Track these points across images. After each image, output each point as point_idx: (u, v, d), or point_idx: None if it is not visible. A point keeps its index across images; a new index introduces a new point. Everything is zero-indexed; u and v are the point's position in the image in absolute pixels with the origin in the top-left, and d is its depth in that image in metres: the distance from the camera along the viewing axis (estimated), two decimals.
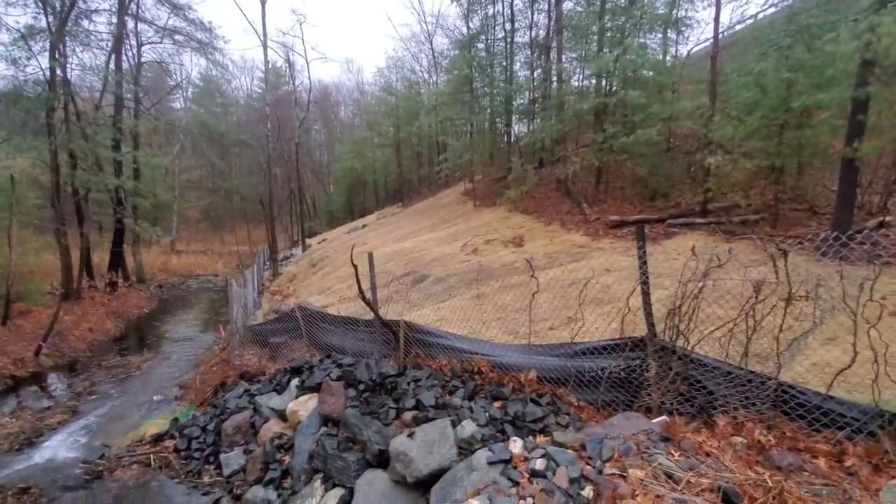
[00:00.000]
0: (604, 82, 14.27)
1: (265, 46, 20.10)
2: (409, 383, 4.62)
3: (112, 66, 19.06)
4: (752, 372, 3.24)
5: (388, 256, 12.42)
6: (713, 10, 11.25)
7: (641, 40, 13.68)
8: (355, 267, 5.12)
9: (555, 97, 15.25)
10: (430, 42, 31.69)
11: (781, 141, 8.55)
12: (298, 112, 26.43)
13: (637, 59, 11.85)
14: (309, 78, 33.38)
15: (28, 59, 16.12)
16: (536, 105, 18.37)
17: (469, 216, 16.81)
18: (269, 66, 23.12)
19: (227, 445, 5.44)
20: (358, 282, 5.14)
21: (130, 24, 20.43)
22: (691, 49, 16.55)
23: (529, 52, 19.88)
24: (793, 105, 7.90)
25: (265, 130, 21.75)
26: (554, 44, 16.50)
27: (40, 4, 15.95)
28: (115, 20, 19.09)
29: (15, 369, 9.74)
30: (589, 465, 2.78)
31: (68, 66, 16.97)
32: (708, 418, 3.25)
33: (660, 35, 15.40)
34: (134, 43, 21.40)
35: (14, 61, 15.97)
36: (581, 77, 18.25)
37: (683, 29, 15.39)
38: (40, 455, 6.47)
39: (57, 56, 15.36)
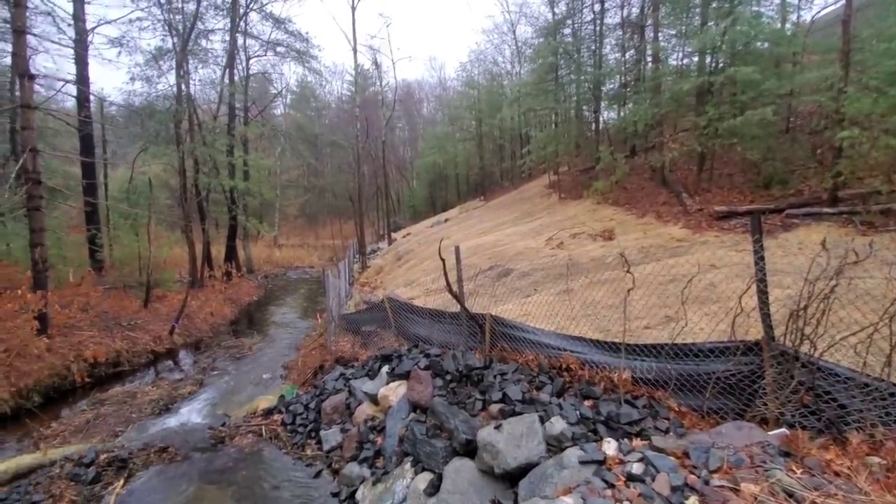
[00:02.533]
0: (708, 59, 12.97)
1: (355, 51, 21.21)
2: (495, 376, 4.63)
3: (226, 79, 21.38)
4: None
5: (472, 250, 12.52)
6: None
7: (755, 8, 12.17)
8: (443, 261, 5.23)
9: (650, 79, 14.20)
10: (514, 32, 31.19)
11: None
12: (385, 111, 27.53)
13: (749, 30, 10.58)
14: (394, 78, 34.63)
15: (158, 77, 18.76)
16: (628, 89, 17.27)
17: (554, 209, 16.35)
18: (358, 70, 24.36)
19: (327, 423, 5.90)
20: (445, 274, 5.25)
21: (240, 40, 22.71)
22: (816, 14, 14.40)
23: (621, 33, 18.71)
24: None
25: (354, 131, 23.04)
26: (650, 21, 15.34)
27: (166, 27, 18.36)
28: (227, 38, 21.38)
29: (154, 346, 11.43)
30: (693, 474, 2.59)
31: (191, 81, 19.38)
32: (838, 434, 2.85)
33: (777, 1, 13.60)
34: (243, 57, 23.77)
35: (148, 80, 18.65)
36: (680, 56, 16.79)
37: None
38: (175, 420, 7.55)
39: (182, 73, 17.60)
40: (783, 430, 2.93)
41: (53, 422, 7.51)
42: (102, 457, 5.40)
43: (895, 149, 7.53)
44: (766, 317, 3.14)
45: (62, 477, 5.06)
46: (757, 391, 3.20)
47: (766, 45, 11.77)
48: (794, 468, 2.53)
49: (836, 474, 2.48)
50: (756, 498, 2.34)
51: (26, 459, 5.43)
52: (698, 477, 2.55)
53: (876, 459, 2.53)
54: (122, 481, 5.01)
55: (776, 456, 2.65)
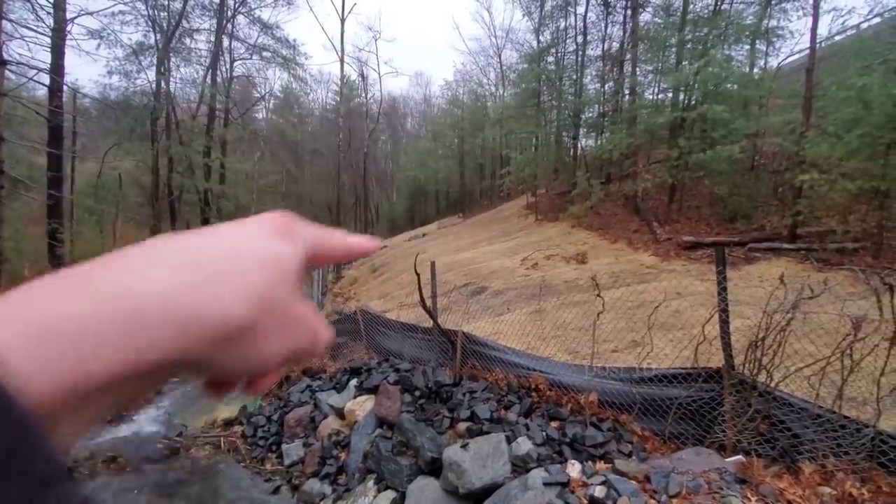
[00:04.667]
0: (682, 96, 13.61)
1: (342, 62, 21.33)
2: (464, 394, 4.62)
3: (208, 80, 21.08)
4: (847, 417, 2.92)
5: (447, 266, 12.55)
6: (809, 20, 10.40)
7: (726, 52, 12.90)
8: (418, 275, 5.23)
9: (627, 110, 14.79)
10: (499, 56, 31.97)
11: (888, 162, 7.68)
12: (368, 123, 27.63)
13: (721, 71, 11.19)
14: (380, 91, 34.75)
15: (138, 72, 18.36)
16: (606, 118, 17.88)
17: (530, 230, 16.60)
18: (345, 81, 24.45)
19: (289, 437, 5.72)
20: (419, 289, 5.25)
21: (226, 42, 22.52)
22: (782, 61, 15.35)
23: (601, 65, 19.47)
24: None
25: (337, 140, 22.98)
26: (629, 56, 16.02)
27: (150, 23, 18.05)
28: (213, 38, 21.16)
29: None
30: (654, 498, 2.63)
31: (171, 79, 19.03)
32: (791, 463, 2.95)
33: (747, 46, 14.45)
34: (227, 59, 23.55)
35: (126, 74, 18.22)
36: (656, 91, 17.57)
37: (774, 40, 14.35)
38: (127, 428, 7.16)
39: (162, 70, 17.29)
40: (740, 457, 3.02)
41: None
42: None
43: (851, 192, 8.03)
44: (726, 346, 3.26)
45: None
46: (716, 418, 3.30)
47: (735, 86, 12.45)
48: (749, 495, 2.60)
49: (789, 503, 2.56)
50: None
51: None
52: (658, 502, 2.59)
53: (827, 489, 2.63)
54: None
55: (732, 483, 2.73)
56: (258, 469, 5.38)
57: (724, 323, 3.25)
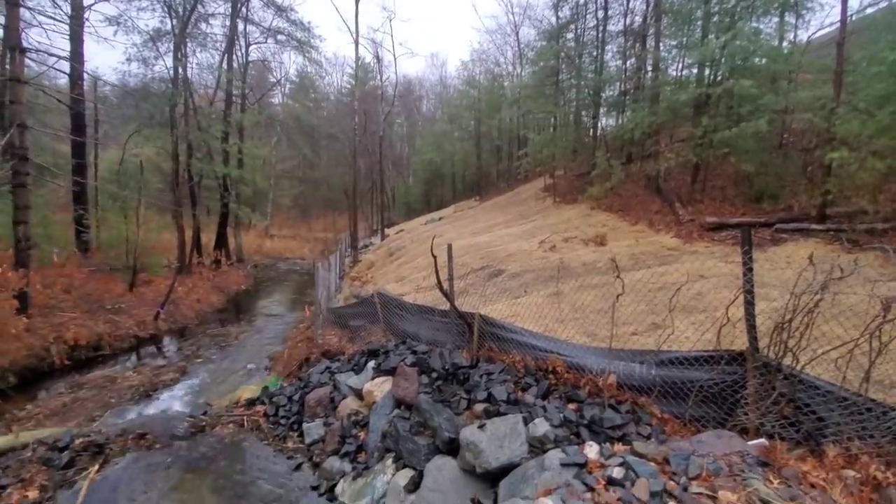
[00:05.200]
0: (707, 71, 13.09)
1: (356, 44, 21.07)
2: (481, 376, 4.63)
3: (224, 65, 21.13)
4: (873, 400, 2.84)
5: (464, 249, 12.52)
6: None
7: (754, 25, 12.30)
8: (435, 258, 5.21)
9: (649, 88, 14.31)
10: (517, 33, 31.22)
11: None
12: (384, 106, 27.42)
13: (748, 45, 10.70)
14: (395, 73, 34.40)
15: (155, 58, 18.49)
16: (627, 97, 17.36)
17: (548, 212, 16.40)
18: (359, 63, 24.22)
19: (309, 416, 5.85)
20: (436, 272, 5.23)
21: (241, 26, 22.46)
22: (812, 34, 14.57)
23: (623, 41, 18.81)
24: None
25: (352, 124, 22.89)
26: (651, 31, 15.43)
27: (166, 9, 18.09)
28: (228, 23, 21.14)
29: (138, 330, 11.27)
30: (673, 480, 2.60)
31: (188, 65, 19.12)
32: (815, 447, 2.89)
33: (776, 19, 13.75)
34: (243, 43, 23.50)
35: (144, 61, 18.38)
36: (680, 66, 16.92)
37: (804, 12, 13.58)
38: (156, 407, 7.45)
39: (179, 56, 17.37)
40: (762, 440, 2.96)
41: (28, 404, 7.37)
42: (78, 441, 5.29)
43: (881, 171, 7.66)
44: (751, 328, 3.17)
45: (34, 461, 4.95)
46: (738, 401, 3.23)
47: (763, 61, 11.91)
48: (771, 478, 2.56)
49: (812, 486, 2.51)
50: None
51: None
52: (677, 483, 2.57)
53: (851, 473, 2.57)
54: (96, 467, 4.91)
55: (754, 465, 2.68)
56: (280, 447, 5.53)
57: (749, 304, 3.15)
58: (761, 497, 2.40)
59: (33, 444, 5.27)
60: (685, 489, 2.51)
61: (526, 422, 3.65)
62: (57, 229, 14.15)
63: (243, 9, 21.80)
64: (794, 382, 3.03)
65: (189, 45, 19.39)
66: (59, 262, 12.94)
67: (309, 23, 23.64)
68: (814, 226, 8.76)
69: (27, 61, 10.79)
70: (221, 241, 22.52)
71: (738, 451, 2.82)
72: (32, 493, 4.44)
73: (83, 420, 6.75)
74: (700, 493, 2.47)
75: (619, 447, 3.11)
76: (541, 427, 3.52)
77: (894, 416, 2.70)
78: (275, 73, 33.39)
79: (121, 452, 5.29)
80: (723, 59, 11.47)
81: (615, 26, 19.18)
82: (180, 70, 17.51)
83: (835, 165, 8.34)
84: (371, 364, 5.96)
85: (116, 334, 10.63)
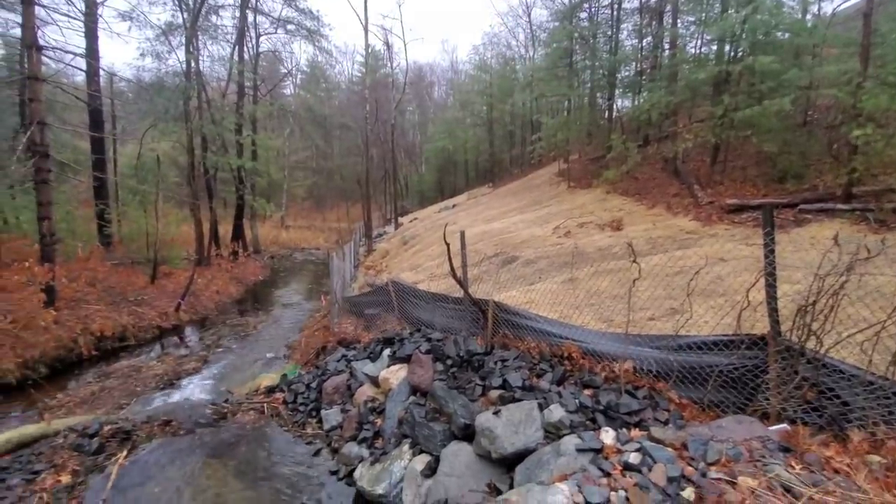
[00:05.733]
0: (727, 48, 12.64)
1: (366, 31, 20.89)
2: (495, 363, 4.63)
3: (235, 56, 21.19)
4: None
5: (478, 237, 12.47)
6: None
7: None
8: (447, 245, 5.19)
9: (667, 66, 13.89)
10: (529, 15, 30.61)
11: None
12: (395, 94, 27.25)
13: (770, 19, 10.27)
14: (406, 60, 34.07)
15: (168, 52, 18.63)
16: (644, 76, 16.93)
17: (562, 198, 16.20)
18: (369, 51, 24.06)
19: (327, 403, 5.95)
20: (450, 260, 5.22)
21: (250, 17, 22.43)
22: (838, 6, 13.92)
23: (639, 19, 18.27)
24: None
25: (364, 113, 22.82)
26: (668, 7, 14.95)
27: (176, 2, 18.16)
28: (237, 14, 21.14)
29: (160, 321, 11.56)
30: (691, 466, 2.57)
31: (200, 58, 19.22)
32: (839, 432, 2.82)
33: None
34: (253, 34, 23.51)
35: (157, 55, 18.54)
36: (698, 43, 16.40)
37: None
38: (179, 394, 7.66)
39: (191, 49, 17.46)
40: (784, 425, 2.90)
41: (59, 393, 7.64)
42: (106, 428, 5.48)
43: None
44: (773, 311, 3.08)
45: (65, 447, 5.14)
46: (759, 386, 3.16)
47: (786, 35, 11.45)
48: (793, 464, 2.50)
49: (836, 471, 2.45)
50: (753, 492, 2.32)
51: (30, 429, 5.51)
52: (695, 469, 2.53)
53: (876, 458, 2.50)
54: (125, 452, 5.09)
55: (776, 451, 2.63)
56: (300, 433, 5.64)
57: (771, 287, 3.06)
58: (783, 482, 2.35)
59: (64, 431, 5.47)
60: (703, 474, 2.48)
61: (541, 408, 3.65)
62: (80, 224, 14.53)
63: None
64: (818, 366, 2.95)
65: (200, 37, 19.47)
66: (83, 256, 13.31)
67: (318, 11, 23.53)
68: (839, 205, 8.47)
69: (44, 59, 10.97)
70: (238, 233, 22.85)
71: (759, 437, 2.77)
72: (65, 478, 4.63)
73: (111, 408, 6.98)
74: (719, 479, 2.44)
75: (635, 433, 3.08)
76: (556, 413, 3.51)
77: None
78: (286, 64, 33.39)
79: (147, 439, 5.46)
80: (743, 35, 11.04)
81: (630, 3, 18.68)
82: (193, 63, 17.61)
83: (861, 142, 8.03)
84: (386, 352, 6.00)
85: (140, 325, 10.93)
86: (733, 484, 2.39)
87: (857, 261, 2.84)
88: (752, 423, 2.93)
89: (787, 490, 2.31)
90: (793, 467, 2.48)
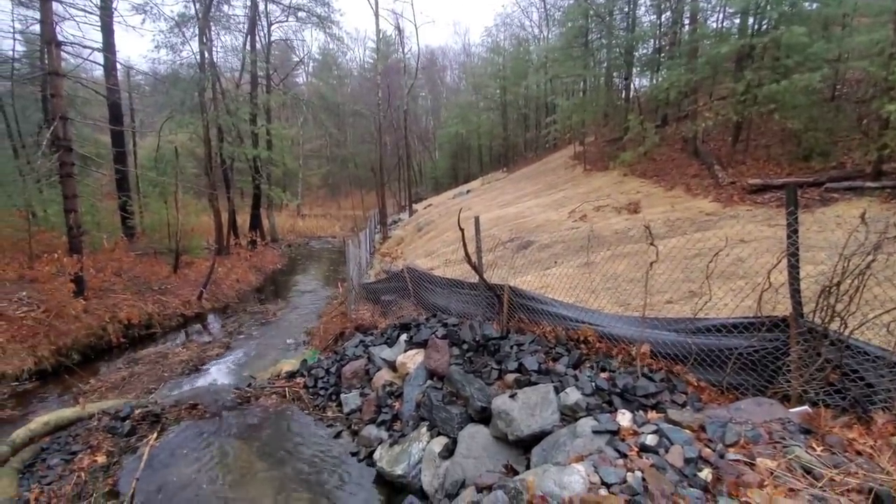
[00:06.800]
0: (751, 20, 12.15)
1: (377, 15, 20.68)
2: (511, 347, 4.65)
3: (248, 46, 21.23)
4: None
5: (493, 222, 12.41)
6: None
7: None
8: (462, 231, 5.19)
9: (686, 42, 13.43)
10: None
11: None
12: (407, 80, 27.01)
13: None
14: (417, 44, 33.67)
15: (182, 44, 18.76)
16: (663, 54, 16.42)
17: (578, 181, 15.97)
18: (380, 36, 23.82)
19: (347, 387, 6.07)
20: (464, 245, 5.22)
21: (261, 5, 22.38)
22: None
23: None
24: None
25: (376, 99, 22.71)
26: None
27: None
28: (249, 3, 21.10)
29: (184, 309, 11.89)
30: (709, 447, 2.57)
31: (213, 49, 19.31)
32: (863, 414, 2.77)
33: None
34: (265, 23, 23.46)
35: (172, 47, 18.70)
36: (720, 17, 15.80)
37: None
38: (204, 379, 7.90)
39: (204, 40, 17.54)
40: (805, 407, 2.86)
41: (91, 378, 7.96)
42: (137, 412, 5.71)
43: None
44: (795, 292, 3.02)
45: (99, 429, 5.39)
46: (780, 368, 3.12)
47: (814, 5, 10.93)
48: (814, 445, 2.48)
49: (858, 453, 2.42)
50: (772, 473, 2.31)
51: (66, 413, 5.79)
52: (713, 451, 2.53)
53: None
54: (155, 434, 5.30)
55: (796, 433, 2.60)
56: (320, 416, 5.78)
57: (794, 268, 3.00)
58: (802, 464, 2.33)
59: (98, 414, 5.73)
60: (721, 456, 2.48)
61: (557, 391, 3.67)
62: (104, 216, 14.92)
63: None
64: (842, 348, 2.89)
65: (213, 28, 19.53)
66: (109, 248, 13.70)
67: None
68: (868, 183, 8.17)
69: (63, 55, 11.16)
70: (256, 222, 23.18)
71: (779, 419, 2.74)
72: (101, 458, 4.86)
73: (140, 392, 7.26)
74: (737, 461, 2.43)
75: (652, 415, 3.08)
76: (572, 396, 3.52)
77: None
78: (298, 52, 33.29)
79: (175, 421, 5.68)
80: (769, 6, 10.60)
81: None
82: (206, 54, 17.70)
83: (893, 118, 7.67)
84: (403, 337, 6.08)
85: (165, 313, 11.26)
86: (752, 465, 2.38)
87: (886, 239, 2.75)
88: (773, 405, 2.90)
89: (808, 471, 2.29)
90: (813, 449, 2.45)
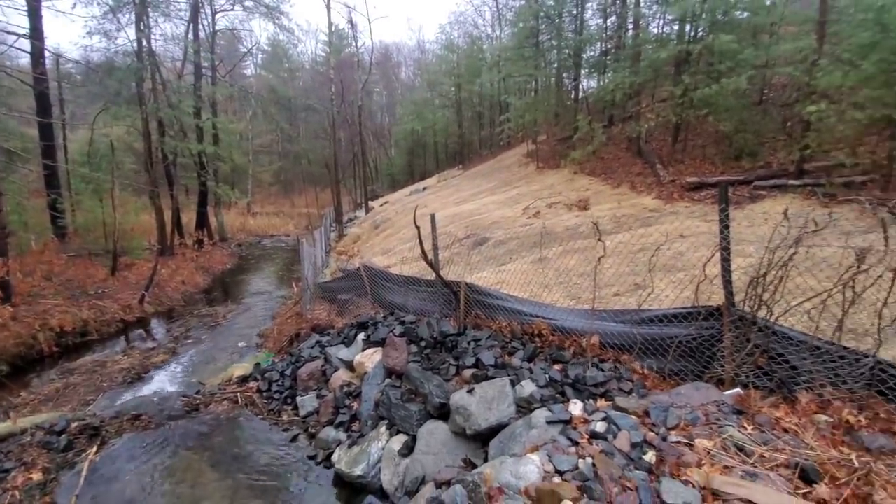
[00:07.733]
0: (688, 27, 12.90)
1: (328, 8, 20.24)
2: (468, 343, 4.73)
3: (190, 35, 20.11)
4: (846, 348, 2.96)
5: (449, 219, 12.50)
6: None
7: None
8: (418, 228, 5.20)
9: (630, 46, 14.06)
10: None
11: None
12: (361, 75, 26.58)
13: None
14: (371, 39, 33.19)
15: (117, 31, 17.48)
16: (609, 57, 17.09)
17: (531, 179, 16.36)
18: (333, 29, 23.27)
19: (303, 390, 5.94)
20: (420, 243, 5.24)
21: None
22: None
23: None
24: None
25: (330, 94, 22.18)
26: None
27: None
28: None
29: (124, 314, 11.15)
30: (652, 431, 2.73)
31: (152, 37, 18.12)
32: (788, 394, 3.04)
33: None
34: (209, 11, 22.31)
35: (106, 34, 17.38)
36: (661, 23, 16.66)
37: None
38: (148, 388, 7.47)
39: (142, 27, 16.45)
40: (737, 390, 3.11)
41: (22, 391, 7.34)
42: (74, 425, 5.33)
43: (861, 122, 7.72)
44: (727, 283, 3.27)
45: (34, 445, 4.99)
46: (715, 354, 3.36)
47: (745, 14, 11.75)
48: (745, 425, 2.70)
49: (785, 430, 2.65)
50: (709, 452, 2.49)
51: None
52: (657, 434, 2.69)
53: (823, 417, 2.71)
54: (95, 448, 4.97)
55: (729, 414, 2.82)
56: (275, 420, 5.63)
57: (726, 261, 3.24)
58: (735, 442, 2.54)
59: (31, 429, 5.30)
60: (664, 439, 2.64)
61: (513, 384, 3.77)
62: (32, 215, 13.70)
63: None
64: (768, 334, 3.15)
65: (151, 14, 18.28)
66: (37, 249, 12.62)
67: None
68: (791, 181, 8.91)
69: None
70: (202, 221, 22.08)
71: (715, 401, 2.96)
72: (36, 475, 4.51)
73: (77, 404, 6.76)
74: (678, 442, 2.60)
75: (601, 403, 3.24)
76: (527, 388, 3.64)
77: (868, 363, 2.81)
78: (245, 43, 31.99)
79: (117, 434, 5.34)
80: (703, 14, 11.29)
81: None
82: (144, 42, 16.60)
83: (814, 119, 8.39)
84: (361, 336, 6.02)
85: (102, 319, 10.51)
86: (691, 446, 2.56)
87: (805, 233, 3.02)
88: (709, 389, 3.13)
89: (740, 449, 2.49)
90: (745, 428, 2.67)
